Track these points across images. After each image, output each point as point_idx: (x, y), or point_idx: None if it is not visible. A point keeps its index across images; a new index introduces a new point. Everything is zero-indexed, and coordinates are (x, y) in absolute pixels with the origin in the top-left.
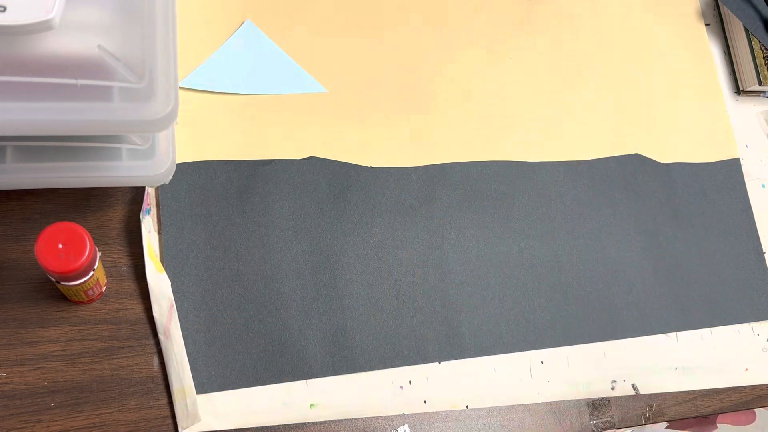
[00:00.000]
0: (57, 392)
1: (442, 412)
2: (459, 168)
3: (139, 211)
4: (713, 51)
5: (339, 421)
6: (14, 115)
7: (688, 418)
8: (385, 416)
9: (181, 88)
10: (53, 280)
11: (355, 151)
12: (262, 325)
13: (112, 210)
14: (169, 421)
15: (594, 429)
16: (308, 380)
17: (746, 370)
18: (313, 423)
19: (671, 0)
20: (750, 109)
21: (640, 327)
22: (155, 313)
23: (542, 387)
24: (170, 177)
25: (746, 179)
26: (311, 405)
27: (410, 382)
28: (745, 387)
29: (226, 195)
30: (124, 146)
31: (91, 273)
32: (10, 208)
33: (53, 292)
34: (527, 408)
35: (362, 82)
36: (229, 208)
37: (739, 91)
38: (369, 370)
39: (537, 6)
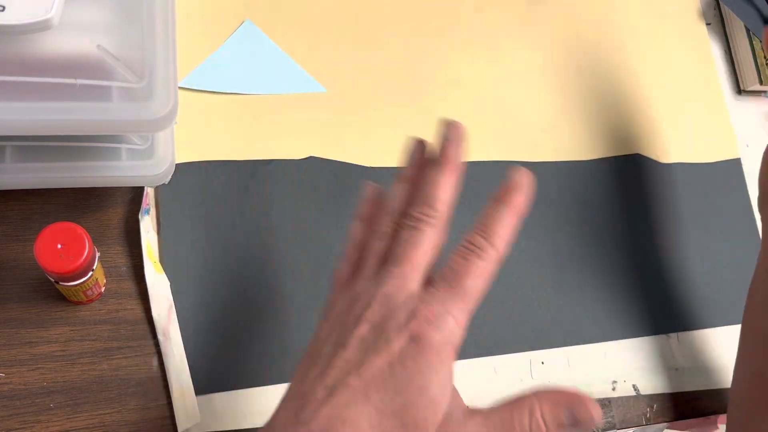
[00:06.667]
0: (56, 393)
1: None
2: None
3: (138, 211)
4: (714, 51)
5: None
6: (14, 115)
7: (689, 418)
8: None
9: (181, 88)
10: (52, 280)
11: (355, 151)
12: (262, 325)
13: (111, 210)
14: (169, 421)
15: (595, 430)
16: None
17: None
18: None
19: (671, 0)
20: (751, 108)
21: (641, 327)
22: (154, 314)
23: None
24: (169, 177)
25: (747, 179)
26: None
27: None
28: None
29: (226, 195)
30: (124, 146)
31: (90, 273)
32: (9, 208)
33: (52, 292)
34: None
35: (362, 82)
36: (228, 208)
37: (739, 90)
38: None
39: (537, 6)
